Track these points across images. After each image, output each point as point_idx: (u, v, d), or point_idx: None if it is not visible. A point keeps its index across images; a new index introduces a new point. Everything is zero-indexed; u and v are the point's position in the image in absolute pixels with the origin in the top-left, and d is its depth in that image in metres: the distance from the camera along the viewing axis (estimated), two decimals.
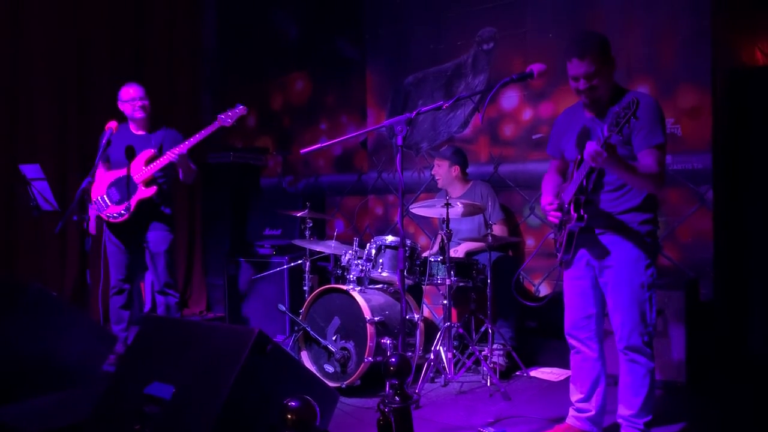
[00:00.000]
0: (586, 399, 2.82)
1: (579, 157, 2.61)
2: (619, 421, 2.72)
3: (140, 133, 4.20)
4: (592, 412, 2.82)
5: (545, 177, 3.02)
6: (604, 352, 2.83)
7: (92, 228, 4.04)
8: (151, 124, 4.24)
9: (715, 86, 4.00)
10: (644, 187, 2.59)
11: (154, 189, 4.06)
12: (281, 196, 6.21)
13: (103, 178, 4.12)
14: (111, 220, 4.05)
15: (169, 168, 4.12)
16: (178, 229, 5.97)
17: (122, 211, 4.02)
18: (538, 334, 4.43)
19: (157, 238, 4.17)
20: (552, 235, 2.89)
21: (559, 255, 2.75)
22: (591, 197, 2.63)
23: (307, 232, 4.48)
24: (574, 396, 2.88)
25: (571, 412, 2.89)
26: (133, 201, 4.02)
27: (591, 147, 2.37)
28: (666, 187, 4.13)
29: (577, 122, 2.77)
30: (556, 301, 4.35)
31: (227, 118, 4.08)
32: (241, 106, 4.12)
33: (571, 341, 2.86)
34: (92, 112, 5.39)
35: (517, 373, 4.00)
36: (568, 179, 2.76)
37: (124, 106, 4.18)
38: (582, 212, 2.55)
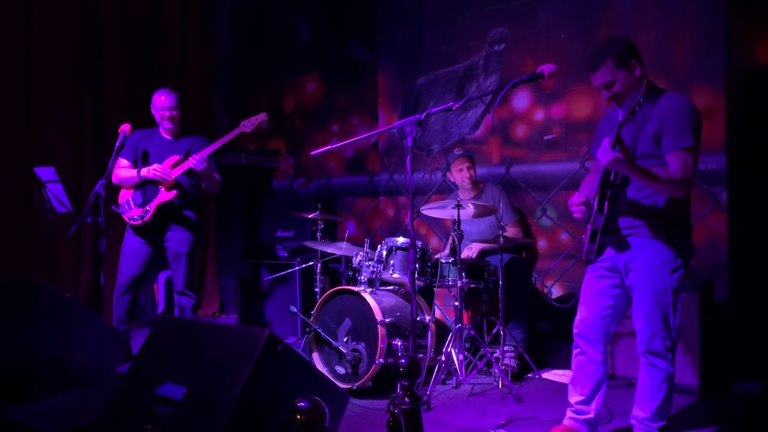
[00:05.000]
0: (587, 401, 2.80)
1: None
2: (633, 422, 2.70)
3: (168, 138, 4.25)
4: (591, 415, 2.80)
5: (585, 178, 3.07)
6: (609, 356, 2.80)
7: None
8: (180, 131, 4.28)
9: (729, 86, 3.96)
10: (666, 192, 2.55)
11: (174, 193, 4.09)
12: (293, 198, 6.24)
13: (132, 182, 4.16)
14: (132, 222, 4.10)
15: (193, 174, 4.15)
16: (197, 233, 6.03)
17: (142, 214, 4.06)
18: (550, 335, 4.41)
19: (178, 239, 4.20)
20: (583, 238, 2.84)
21: (584, 251, 2.69)
22: (617, 192, 2.59)
23: (319, 234, 4.50)
24: (574, 398, 2.85)
25: (569, 413, 2.87)
26: (153, 204, 4.06)
27: (604, 143, 2.39)
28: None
29: (612, 125, 2.76)
30: (568, 302, 4.36)
31: (248, 124, 4.16)
32: (263, 114, 4.21)
33: (578, 341, 2.83)
34: (107, 114, 5.44)
35: (529, 375, 3.98)
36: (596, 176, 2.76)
37: (155, 113, 4.24)
38: (605, 206, 2.54)
